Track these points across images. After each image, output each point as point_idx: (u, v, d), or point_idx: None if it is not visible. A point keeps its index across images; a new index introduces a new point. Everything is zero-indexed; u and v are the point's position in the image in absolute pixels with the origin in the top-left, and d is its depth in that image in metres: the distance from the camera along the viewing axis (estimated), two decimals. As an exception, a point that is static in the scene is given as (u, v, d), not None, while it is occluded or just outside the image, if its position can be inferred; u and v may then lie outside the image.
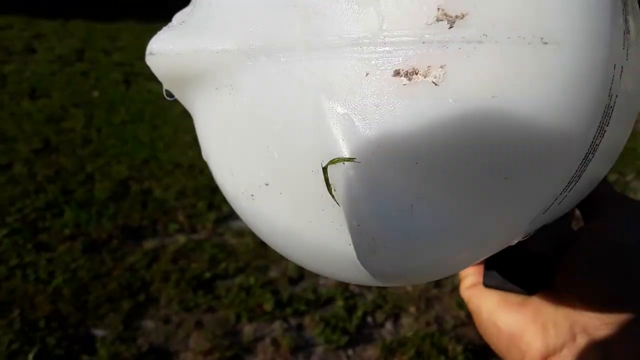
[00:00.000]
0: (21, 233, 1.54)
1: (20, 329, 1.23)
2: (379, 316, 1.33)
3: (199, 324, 1.29)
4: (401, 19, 0.19)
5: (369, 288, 1.39)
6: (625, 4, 0.20)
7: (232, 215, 1.60)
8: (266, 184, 0.23)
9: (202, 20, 0.25)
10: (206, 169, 0.37)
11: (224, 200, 0.31)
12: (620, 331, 0.26)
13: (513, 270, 0.31)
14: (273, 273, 1.44)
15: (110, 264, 1.45)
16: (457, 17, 0.18)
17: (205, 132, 0.27)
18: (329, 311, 1.34)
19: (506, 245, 0.22)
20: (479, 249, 0.22)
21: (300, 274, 1.43)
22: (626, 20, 0.20)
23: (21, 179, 1.80)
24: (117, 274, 1.41)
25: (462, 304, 1.30)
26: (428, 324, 1.32)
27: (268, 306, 1.33)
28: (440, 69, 0.18)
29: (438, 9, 0.18)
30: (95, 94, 2.58)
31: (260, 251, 1.49)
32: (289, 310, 1.33)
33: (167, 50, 0.25)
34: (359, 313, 1.33)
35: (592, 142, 0.19)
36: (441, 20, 0.18)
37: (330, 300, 1.37)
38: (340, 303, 1.35)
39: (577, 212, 0.32)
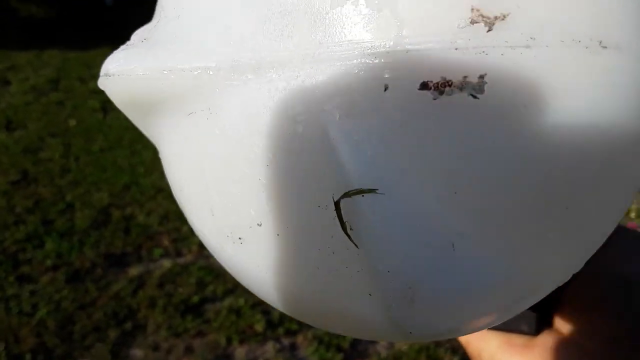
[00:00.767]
0: (2, 266, 1.49)
1: (4, 365, 1.19)
2: (372, 331, 1.32)
3: (189, 349, 1.26)
4: (425, 23, 0.16)
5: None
6: None
7: (217, 237, 1.58)
8: (258, 224, 0.19)
9: (170, 35, 0.21)
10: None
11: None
12: None
13: None
14: (262, 293, 1.42)
15: (94, 293, 1.41)
16: (496, 18, 0.16)
17: (175, 166, 0.22)
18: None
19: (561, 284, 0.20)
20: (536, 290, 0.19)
21: (290, 292, 1.41)
22: None
23: (0, 211, 1.76)
24: (102, 303, 1.38)
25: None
26: (421, 335, 1.31)
27: (259, 327, 1.31)
28: (479, 79, 0.16)
29: (472, 9, 0.16)
30: (72, 122, 2.55)
31: (248, 272, 1.47)
32: (280, 330, 1.31)
33: (127, 71, 0.21)
34: (352, 329, 1.31)
35: None
36: (477, 23, 0.16)
37: (321, 318, 1.35)
38: (332, 320, 1.34)
39: None
